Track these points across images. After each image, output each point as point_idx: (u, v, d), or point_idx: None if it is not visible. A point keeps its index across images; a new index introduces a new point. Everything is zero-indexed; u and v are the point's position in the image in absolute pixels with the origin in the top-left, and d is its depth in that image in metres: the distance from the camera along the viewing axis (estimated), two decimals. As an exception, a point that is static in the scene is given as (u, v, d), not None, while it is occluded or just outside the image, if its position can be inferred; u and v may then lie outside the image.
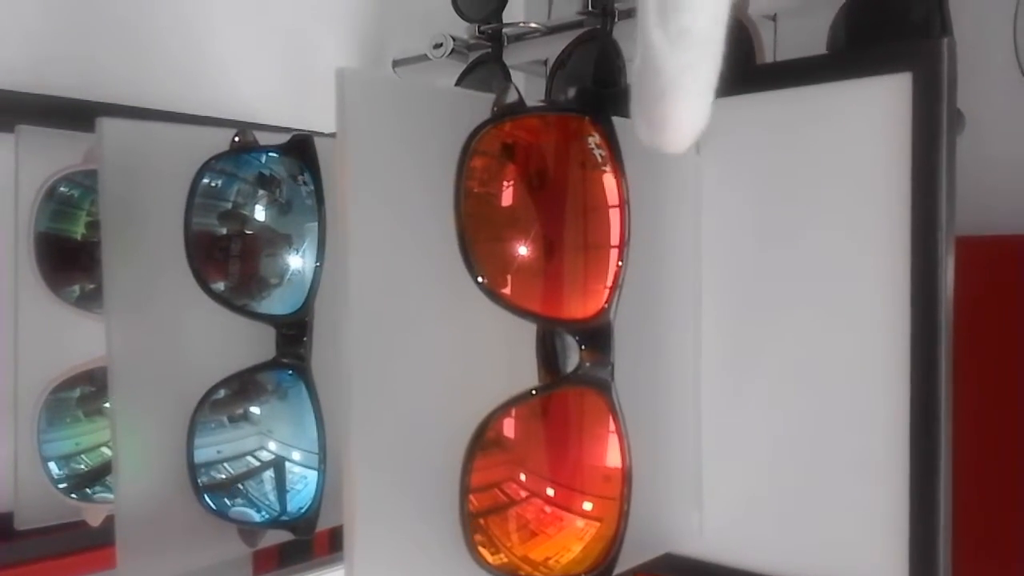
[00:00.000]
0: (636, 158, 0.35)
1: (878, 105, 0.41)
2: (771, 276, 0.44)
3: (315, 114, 0.69)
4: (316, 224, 0.43)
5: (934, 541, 0.40)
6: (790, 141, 0.43)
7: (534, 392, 0.34)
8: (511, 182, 0.34)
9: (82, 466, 0.51)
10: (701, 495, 0.46)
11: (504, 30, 0.66)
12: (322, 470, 0.42)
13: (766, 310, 0.44)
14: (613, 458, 0.35)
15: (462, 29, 0.68)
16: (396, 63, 0.73)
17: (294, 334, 0.43)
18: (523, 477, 0.36)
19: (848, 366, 0.41)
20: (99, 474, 0.50)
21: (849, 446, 0.41)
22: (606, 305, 0.33)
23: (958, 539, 0.40)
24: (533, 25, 0.65)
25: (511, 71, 0.67)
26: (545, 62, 0.67)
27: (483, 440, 0.34)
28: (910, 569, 0.40)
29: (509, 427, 0.35)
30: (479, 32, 0.66)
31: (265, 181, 0.43)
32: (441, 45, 0.67)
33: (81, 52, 0.55)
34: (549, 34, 0.65)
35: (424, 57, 0.70)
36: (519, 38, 0.66)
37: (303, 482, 0.43)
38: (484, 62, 0.66)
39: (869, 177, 0.41)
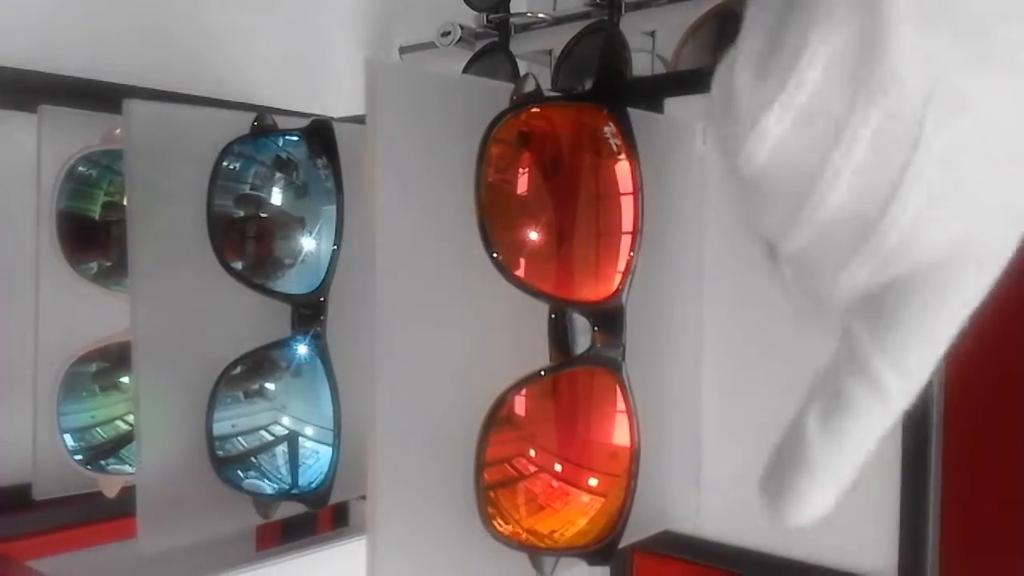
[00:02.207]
0: (644, 148, 0.36)
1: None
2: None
3: (323, 99, 0.70)
4: (334, 207, 0.44)
5: (923, 522, 0.41)
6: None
7: (549, 371, 0.36)
8: (530, 168, 0.36)
9: (98, 439, 0.52)
10: (700, 475, 0.47)
11: (511, 19, 0.67)
12: (336, 445, 0.44)
13: (768, 294, 0.45)
14: (621, 436, 0.37)
15: (470, 18, 0.69)
16: (403, 50, 0.74)
17: (311, 313, 0.44)
18: (533, 453, 0.38)
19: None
20: (114, 447, 0.52)
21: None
22: (620, 288, 0.35)
23: (946, 521, 0.42)
24: (540, 15, 0.66)
25: (517, 60, 0.68)
26: (550, 52, 0.69)
27: (498, 416, 0.36)
28: (899, 548, 0.42)
29: (523, 404, 0.36)
30: (487, 21, 0.67)
31: (285, 164, 0.45)
32: (449, 33, 0.68)
33: (99, 35, 0.56)
34: (556, 24, 0.66)
35: (431, 44, 0.71)
36: (526, 28, 0.68)
37: (318, 455, 0.44)
38: (490, 51, 0.68)
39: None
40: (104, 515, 0.51)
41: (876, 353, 0.27)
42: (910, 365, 0.26)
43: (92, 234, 0.51)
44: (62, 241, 0.50)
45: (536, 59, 0.72)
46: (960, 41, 0.23)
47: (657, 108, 0.49)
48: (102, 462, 0.52)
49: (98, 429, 0.52)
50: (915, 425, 0.41)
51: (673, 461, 0.46)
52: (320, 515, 0.66)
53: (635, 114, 0.37)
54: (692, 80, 0.49)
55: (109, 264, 0.52)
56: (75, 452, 0.51)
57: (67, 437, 0.51)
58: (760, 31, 0.26)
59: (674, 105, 0.50)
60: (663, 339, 0.45)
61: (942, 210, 0.24)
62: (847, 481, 0.28)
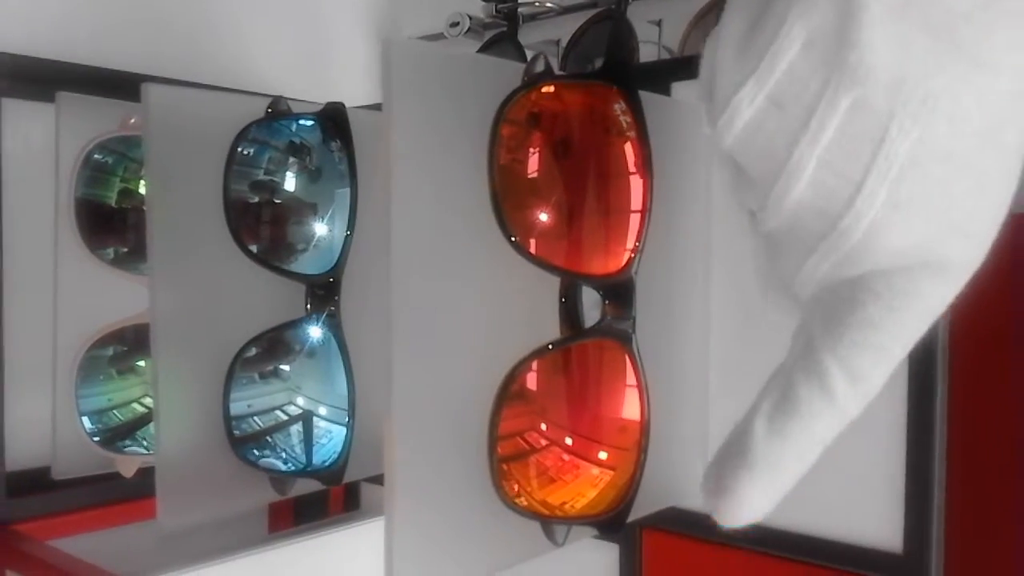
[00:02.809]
0: (652, 129, 0.37)
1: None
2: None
3: (332, 88, 0.71)
4: (348, 189, 0.45)
5: (928, 498, 0.42)
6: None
7: (559, 343, 0.37)
8: (542, 147, 0.36)
9: (115, 421, 0.53)
10: (707, 450, 0.48)
11: (519, 9, 0.68)
12: (351, 423, 0.44)
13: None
14: (632, 410, 0.37)
15: (478, 8, 0.70)
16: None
17: (325, 293, 0.45)
18: (544, 426, 0.38)
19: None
20: (131, 428, 0.53)
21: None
22: (630, 261, 0.36)
23: (951, 499, 0.42)
24: (548, 5, 0.67)
25: (525, 50, 0.69)
26: (558, 42, 0.69)
27: (510, 391, 0.36)
28: (904, 523, 0.43)
29: (535, 378, 0.37)
30: (495, 11, 0.68)
31: (299, 148, 0.45)
32: (457, 24, 0.69)
33: (114, 24, 0.57)
34: (563, 14, 0.67)
35: (440, 35, 0.72)
36: (534, 17, 0.68)
37: (332, 433, 0.45)
38: (499, 41, 0.68)
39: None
40: (122, 496, 0.52)
41: (827, 352, 0.26)
42: (860, 369, 0.26)
43: (109, 220, 0.52)
44: (83, 227, 0.51)
45: (544, 49, 0.72)
46: (930, 35, 0.23)
47: (664, 93, 0.50)
48: (119, 443, 0.53)
49: (115, 411, 0.53)
50: (920, 395, 0.42)
51: (681, 437, 0.46)
52: (331, 498, 0.67)
53: (643, 95, 0.38)
54: (698, 65, 0.50)
55: (126, 249, 0.53)
56: (93, 434, 0.52)
57: (85, 419, 0.52)
58: (744, 10, 0.26)
59: (681, 89, 0.50)
60: (672, 316, 0.45)
61: (904, 213, 0.24)
62: (786, 486, 0.28)
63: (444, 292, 0.36)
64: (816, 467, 0.45)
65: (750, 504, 0.28)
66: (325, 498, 0.66)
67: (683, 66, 0.51)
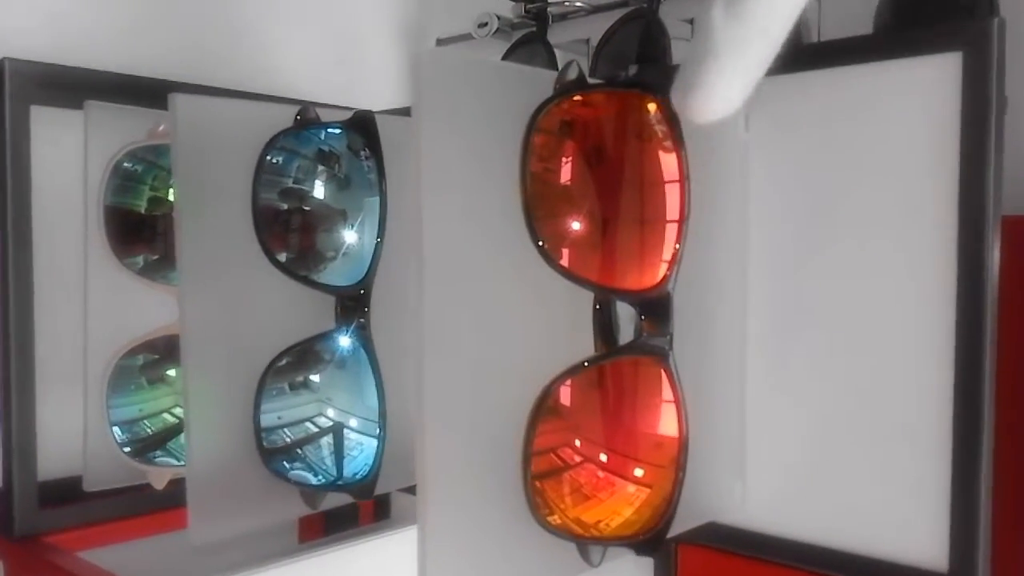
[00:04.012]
0: (687, 135, 0.36)
1: (925, 85, 0.41)
2: (817, 250, 0.45)
3: (361, 91, 0.70)
4: (377, 199, 0.44)
5: (975, 514, 0.40)
6: (837, 120, 0.44)
7: (595, 360, 0.36)
8: (575, 156, 0.36)
9: (146, 431, 0.53)
10: (744, 465, 0.47)
11: (549, 9, 0.66)
12: (381, 435, 0.44)
13: (812, 283, 0.45)
14: (669, 426, 0.36)
15: (507, 8, 0.69)
16: (440, 42, 0.74)
17: (354, 304, 0.44)
18: (579, 443, 0.37)
19: (893, 338, 0.42)
20: (162, 439, 0.52)
21: (893, 417, 0.42)
22: (667, 276, 0.35)
23: (999, 513, 0.41)
24: (578, 4, 0.66)
25: (555, 50, 0.68)
26: (588, 41, 0.68)
27: (546, 407, 0.36)
28: (950, 540, 0.41)
29: (570, 395, 0.36)
30: (524, 11, 0.67)
31: (328, 157, 0.45)
32: (486, 24, 0.68)
33: (140, 31, 0.56)
34: (593, 13, 0.66)
35: (468, 36, 0.71)
36: (563, 17, 0.67)
37: (363, 446, 0.45)
38: (528, 41, 0.67)
39: (916, 155, 0.42)
40: (153, 507, 0.51)
41: None
42: None
43: (138, 228, 0.52)
44: (112, 235, 0.50)
45: (574, 48, 0.71)
46: None
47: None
48: (150, 454, 0.52)
49: (146, 422, 0.53)
50: (967, 410, 0.40)
51: (717, 451, 0.45)
52: (362, 507, 0.66)
53: (677, 100, 0.37)
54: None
55: (156, 257, 0.53)
56: (124, 445, 0.52)
57: (116, 430, 0.52)
58: None
59: (716, 92, 0.49)
60: (707, 327, 0.44)
61: None
62: (753, 70, 0.28)
63: (476, 304, 0.35)
64: (857, 480, 0.44)
65: (719, 93, 0.28)
66: (356, 508, 0.65)
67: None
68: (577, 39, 0.69)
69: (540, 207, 0.35)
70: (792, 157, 0.45)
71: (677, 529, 0.43)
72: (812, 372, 0.45)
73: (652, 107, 0.35)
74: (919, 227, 0.41)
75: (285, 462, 0.44)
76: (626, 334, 0.38)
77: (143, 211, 0.52)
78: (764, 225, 0.46)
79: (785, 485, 0.46)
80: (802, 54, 0.46)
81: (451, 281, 0.34)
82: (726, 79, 0.28)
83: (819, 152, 0.45)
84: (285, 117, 0.45)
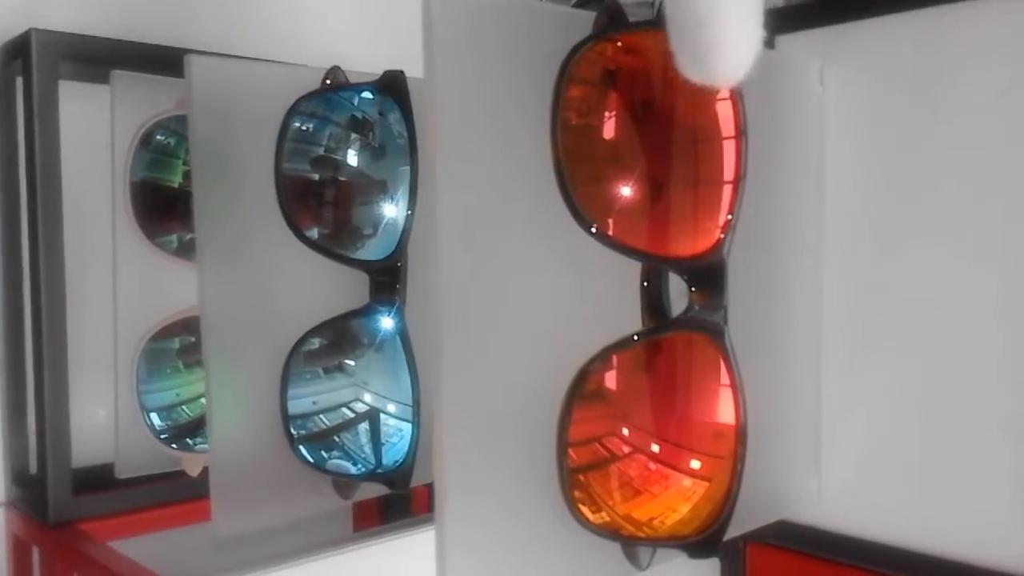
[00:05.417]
0: (751, 88, 0.32)
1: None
2: (903, 220, 0.40)
3: (391, 56, 0.67)
4: (408, 167, 0.41)
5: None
6: (929, 70, 0.39)
7: (638, 337, 0.32)
8: (613, 109, 0.31)
9: (183, 417, 0.51)
10: (820, 457, 0.43)
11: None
12: (416, 421, 0.41)
13: (898, 250, 0.40)
14: (725, 412, 0.32)
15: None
16: None
17: (387, 280, 0.41)
18: (626, 431, 0.33)
19: (990, 319, 0.37)
20: (200, 424, 0.50)
21: (993, 405, 0.38)
22: (719, 241, 0.30)
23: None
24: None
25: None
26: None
27: (582, 390, 0.32)
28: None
29: (611, 376, 0.32)
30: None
31: (355, 121, 0.42)
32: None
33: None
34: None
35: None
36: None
37: (397, 433, 0.42)
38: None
39: (1012, 110, 0.37)
40: (188, 495, 0.49)
41: None
42: None
43: (171, 206, 0.50)
44: (140, 213, 0.48)
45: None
46: None
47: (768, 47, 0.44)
48: (188, 440, 0.50)
49: (183, 407, 0.51)
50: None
51: (788, 441, 0.41)
52: (416, 496, 0.64)
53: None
54: (809, 14, 0.44)
55: (191, 236, 0.50)
56: (162, 431, 0.50)
57: (153, 416, 0.50)
58: None
59: (788, 43, 0.44)
60: (776, 303, 0.40)
61: None
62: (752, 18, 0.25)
63: (499, 279, 0.32)
64: (946, 477, 0.40)
65: (739, 50, 0.25)
66: (409, 497, 0.63)
67: (791, 17, 0.45)
68: None
69: (574, 167, 0.31)
70: (876, 111, 0.41)
71: (746, 527, 0.40)
72: (896, 356, 0.40)
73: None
74: (1019, 195, 0.36)
75: (314, 449, 0.41)
76: (680, 308, 0.33)
77: (176, 186, 0.50)
78: (843, 187, 0.42)
79: (865, 480, 0.42)
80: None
81: (472, 252, 0.30)
82: (738, 32, 0.25)
83: (909, 104, 0.40)
84: (311, 81, 0.42)
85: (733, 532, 0.35)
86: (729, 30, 0.25)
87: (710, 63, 0.25)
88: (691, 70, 0.26)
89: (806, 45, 0.43)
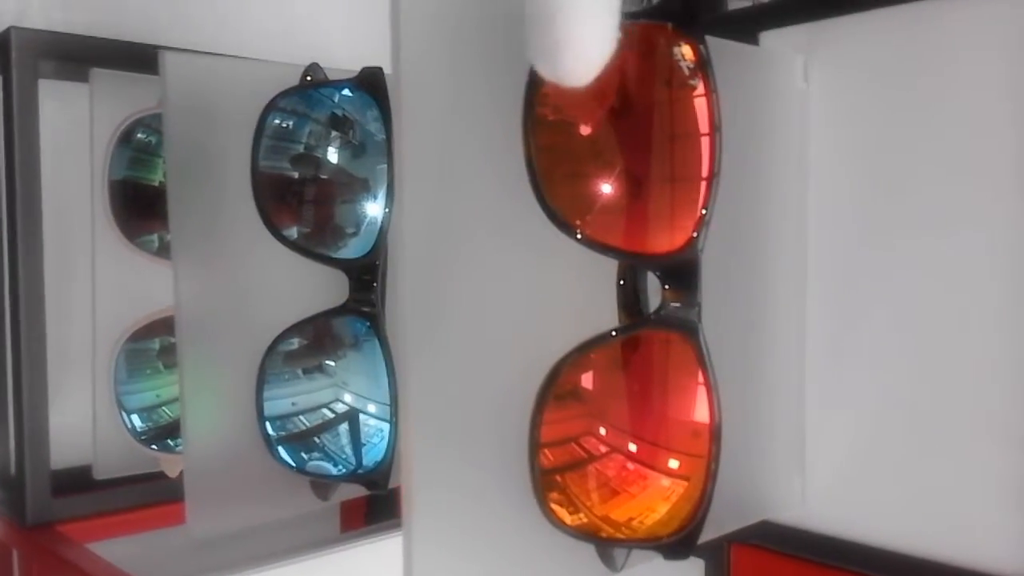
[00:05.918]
0: (732, 84, 0.31)
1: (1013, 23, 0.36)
2: (887, 216, 0.39)
3: (385, 53, 0.67)
4: (386, 163, 0.40)
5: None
6: (913, 66, 0.39)
7: (612, 334, 0.31)
8: (585, 104, 0.31)
9: (163, 418, 0.50)
10: (804, 457, 0.42)
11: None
12: (394, 421, 0.40)
13: (882, 248, 0.40)
14: (700, 410, 0.32)
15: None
16: None
17: (365, 279, 0.41)
18: (602, 430, 0.33)
19: (976, 315, 0.37)
20: (176, 426, 0.50)
21: (979, 405, 0.37)
22: (692, 238, 0.30)
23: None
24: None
25: None
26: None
27: (555, 389, 0.31)
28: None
29: (584, 375, 0.32)
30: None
31: (333, 119, 0.41)
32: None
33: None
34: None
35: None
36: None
37: (377, 433, 0.41)
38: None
39: (998, 103, 0.36)
40: (167, 496, 0.49)
41: None
42: None
43: (151, 205, 0.49)
44: (121, 212, 0.48)
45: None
46: None
47: (752, 43, 0.44)
48: (168, 440, 0.50)
49: (164, 408, 0.50)
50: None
51: (771, 440, 0.41)
52: (400, 497, 0.63)
53: (720, 44, 0.32)
54: (792, 9, 0.43)
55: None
56: (143, 433, 0.49)
57: (134, 418, 0.49)
58: None
59: (771, 39, 0.44)
60: (754, 299, 0.39)
61: None
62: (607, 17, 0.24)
63: (473, 275, 0.31)
64: (932, 476, 0.39)
65: (590, 48, 0.25)
66: (395, 498, 0.63)
67: (774, 13, 0.44)
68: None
69: (546, 163, 0.30)
70: (859, 109, 0.41)
71: (728, 527, 0.39)
72: (881, 355, 0.40)
73: (676, 43, 0.30)
74: (1000, 188, 0.36)
75: (290, 450, 0.41)
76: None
77: (157, 185, 0.49)
78: (825, 185, 0.41)
79: (849, 480, 0.41)
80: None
81: (438, 248, 0.30)
82: (590, 30, 0.25)
83: (892, 103, 0.39)
84: (288, 78, 0.41)
85: (716, 532, 0.35)
86: (579, 27, 0.24)
87: (559, 60, 0.25)
88: (541, 67, 0.25)
89: (789, 41, 0.43)
